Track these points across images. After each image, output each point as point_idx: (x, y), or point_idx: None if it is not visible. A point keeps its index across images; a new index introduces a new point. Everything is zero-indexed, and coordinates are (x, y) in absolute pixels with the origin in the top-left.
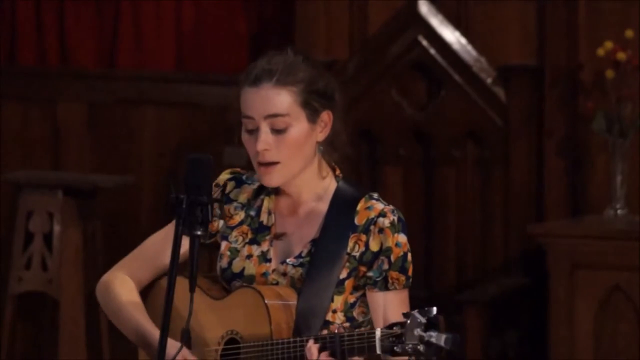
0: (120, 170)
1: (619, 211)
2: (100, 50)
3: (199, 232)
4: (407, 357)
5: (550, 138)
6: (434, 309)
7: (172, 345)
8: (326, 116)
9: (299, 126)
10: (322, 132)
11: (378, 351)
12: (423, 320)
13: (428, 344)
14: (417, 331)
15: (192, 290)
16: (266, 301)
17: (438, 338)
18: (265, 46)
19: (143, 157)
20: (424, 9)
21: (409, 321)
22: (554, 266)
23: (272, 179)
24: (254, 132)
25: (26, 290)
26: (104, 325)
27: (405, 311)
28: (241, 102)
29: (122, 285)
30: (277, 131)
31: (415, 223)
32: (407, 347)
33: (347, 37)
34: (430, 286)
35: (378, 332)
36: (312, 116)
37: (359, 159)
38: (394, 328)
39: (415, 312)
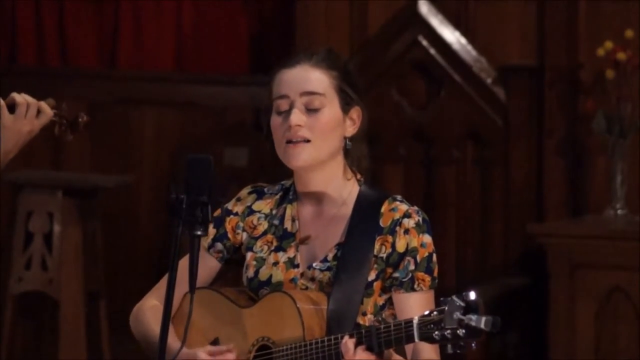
0: (120, 170)
1: (619, 211)
2: (100, 50)
3: (199, 232)
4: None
5: (550, 138)
6: (473, 293)
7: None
8: (356, 112)
9: (332, 109)
10: (351, 127)
11: (416, 339)
12: (462, 304)
13: (468, 327)
14: (457, 315)
15: (192, 291)
16: (298, 305)
17: (478, 321)
18: (265, 46)
19: (143, 157)
20: (424, 9)
21: (447, 306)
22: (554, 266)
23: (300, 156)
24: (286, 112)
25: (26, 290)
26: (104, 325)
27: None
28: (274, 86)
29: (151, 310)
30: (311, 110)
31: None
32: (446, 333)
33: (347, 37)
34: None
35: (416, 320)
36: (345, 106)
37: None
38: (432, 314)
39: (454, 297)
